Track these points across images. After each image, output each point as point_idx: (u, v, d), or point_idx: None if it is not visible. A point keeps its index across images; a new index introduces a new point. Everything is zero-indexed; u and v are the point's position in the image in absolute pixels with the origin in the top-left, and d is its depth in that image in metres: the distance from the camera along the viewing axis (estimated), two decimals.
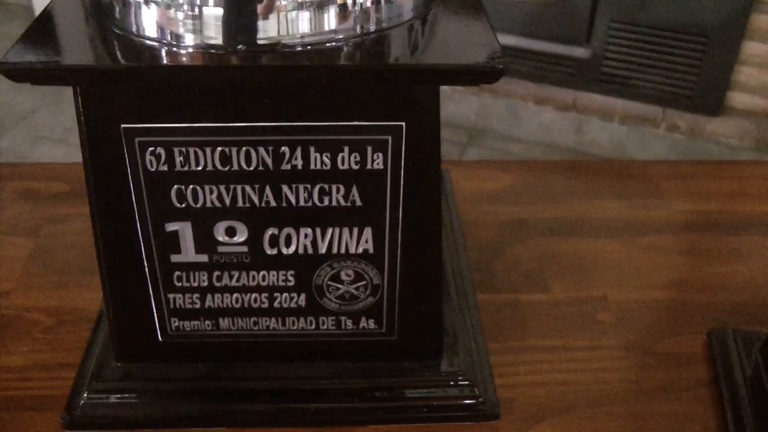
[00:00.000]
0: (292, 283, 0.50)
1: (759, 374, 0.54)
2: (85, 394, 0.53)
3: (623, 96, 2.46)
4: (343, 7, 0.43)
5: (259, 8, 0.41)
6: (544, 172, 0.80)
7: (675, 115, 2.42)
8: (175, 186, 0.46)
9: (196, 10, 0.41)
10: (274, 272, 0.50)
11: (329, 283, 0.51)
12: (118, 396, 0.53)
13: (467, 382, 0.55)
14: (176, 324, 0.52)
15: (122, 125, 0.44)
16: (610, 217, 0.74)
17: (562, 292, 0.65)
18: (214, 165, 0.46)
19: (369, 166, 0.46)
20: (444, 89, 0.59)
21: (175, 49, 0.42)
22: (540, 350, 0.60)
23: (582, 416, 0.55)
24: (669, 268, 0.68)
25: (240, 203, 0.47)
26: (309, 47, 0.42)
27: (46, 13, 0.46)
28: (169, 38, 0.42)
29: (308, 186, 0.47)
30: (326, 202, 0.47)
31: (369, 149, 0.46)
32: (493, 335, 0.60)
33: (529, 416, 0.55)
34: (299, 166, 0.46)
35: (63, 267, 0.67)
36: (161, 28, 0.42)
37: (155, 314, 0.52)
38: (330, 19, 0.43)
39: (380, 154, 0.46)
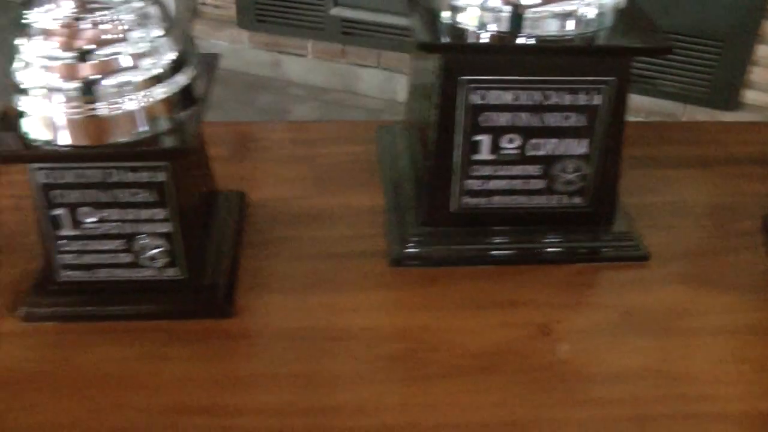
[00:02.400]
0: (539, 173, 0.88)
1: None
2: (398, 246, 0.90)
3: (649, 94, 2.77)
4: (580, 19, 0.81)
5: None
6: None
7: (695, 110, 2.73)
8: (483, 113, 0.84)
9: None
10: (531, 166, 0.87)
11: (559, 174, 0.88)
12: (418, 246, 0.90)
13: (628, 238, 0.92)
14: (465, 200, 0.89)
15: (459, 77, 0.82)
16: None
17: None
18: (508, 100, 0.83)
19: (593, 102, 0.84)
20: None
21: (493, 36, 0.80)
22: None
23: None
24: None
25: (519, 123, 0.85)
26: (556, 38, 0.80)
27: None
28: (491, 30, 0.80)
29: (558, 113, 0.84)
30: (566, 123, 0.85)
31: (593, 92, 0.83)
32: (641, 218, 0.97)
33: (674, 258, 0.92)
34: (556, 102, 0.83)
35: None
36: (484, 24, 0.80)
37: (452, 194, 0.89)
38: (572, 26, 0.81)
39: (599, 95, 0.83)
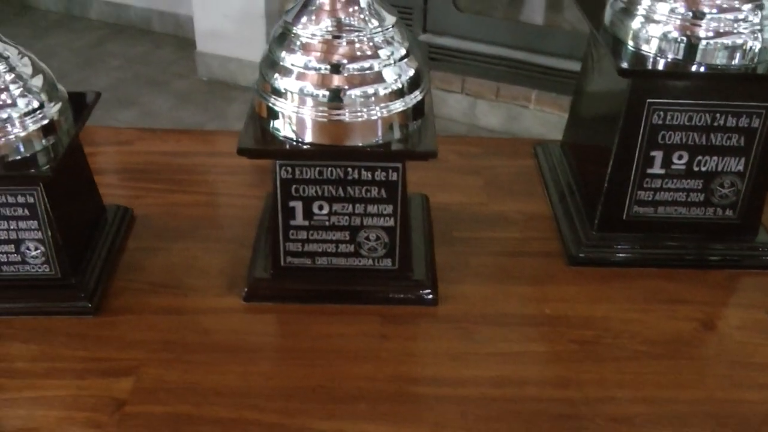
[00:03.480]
0: (699, 187, 1.00)
1: None
2: (575, 248, 1.03)
3: None
4: (746, 51, 0.94)
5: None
6: None
7: None
8: (661, 131, 0.96)
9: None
10: (695, 180, 0.99)
11: (717, 188, 1.01)
12: (593, 248, 1.03)
13: None
14: (636, 209, 1.01)
15: (646, 99, 0.95)
16: None
17: None
18: (682, 121, 0.95)
19: (752, 125, 0.95)
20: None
21: (669, 63, 0.93)
22: None
23: None
24: None
25: (688, 142, 0.97)
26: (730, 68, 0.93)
27: None
28: (668, 58, 0.93)
29: (722, 134, 0.96)
30: (728, 143, 0.96)
31: (754, 116, 0.95)
32: None
33: None
34: (720, 123, 0.96)
35: None
36: (663, 51, 0.94)
37: (626, 203, 1.02)
38: (739, 57, 0.94)
39: (758, 119, 0.95)
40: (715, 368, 0.89)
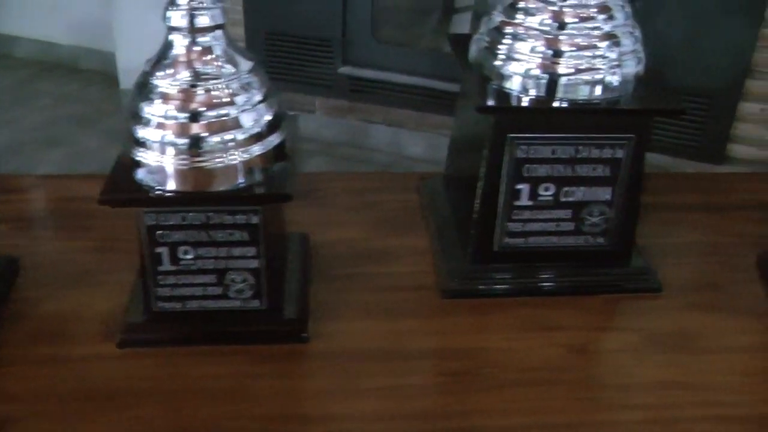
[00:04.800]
0: (569, 217, 1.02)
1: None
2: (447, 281, 1.04)
3: None
4: (606, 85, 0.96)
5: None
6: None
7: (685, 164, 2.88)
8: (525, 165, 0.99)
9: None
10: (563, 211, 1.02)
11: (586, 217, 1.03)
12: (465, 280, 1.04)
13: (643, 273, 1.07)
14: (506, 240, 1.03)
15: (508, 134, 0.97)
16: None
17: None
18: (547, 154, 0.98)
19: (616, 156, 0.99)
20: None
21: (533, 100, 0.95)
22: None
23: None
24: None
25: (553, 174, 0.99)
26: (591, 102, 0.95)
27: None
28: (530, 95, 0.95)
29: (587, 165, 0.99)
30: (594, 174, 1.00)
31: (617, 147, 0.98)
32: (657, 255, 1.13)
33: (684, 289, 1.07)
34: (585, 155, 0.98)
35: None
36: (526, 89, 0.96)
37: (496, 235, 1.03)
38: (599, 91, 0.96)
39: (622, 150, 0.98)
40: (588, 392, 0.92)
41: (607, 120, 0.96)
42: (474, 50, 1.00)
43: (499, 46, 0.97)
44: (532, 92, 0.94)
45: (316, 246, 1.11)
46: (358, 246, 1.12)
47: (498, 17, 0.97)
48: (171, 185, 0.87)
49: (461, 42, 1.04)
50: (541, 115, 0.95)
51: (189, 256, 0.92)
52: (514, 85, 0.95)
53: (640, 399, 0.91)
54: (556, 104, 0.94)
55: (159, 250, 0.91)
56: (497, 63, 0.96)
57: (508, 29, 0.96)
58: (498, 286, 1.03)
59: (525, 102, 0.95)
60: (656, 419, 0.88)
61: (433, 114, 3.12)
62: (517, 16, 0.96)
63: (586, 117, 0.96)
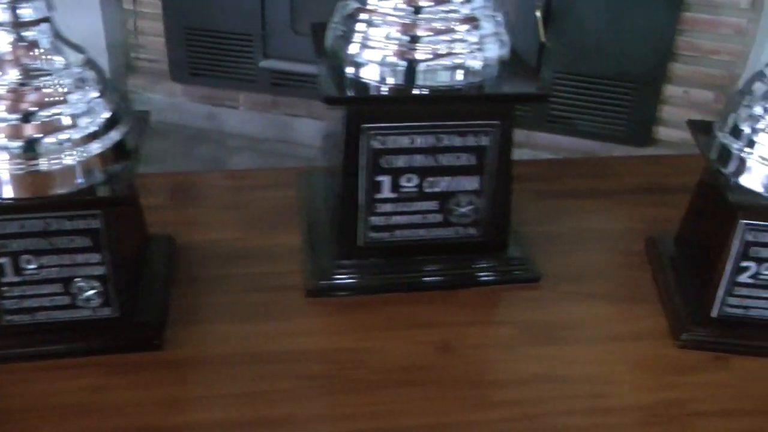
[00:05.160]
0: (436, 208, 0.98)
1: None
2: (313, 280, 1.00)
3: (569, 134, 2.92)
4: (468, 70, 0.92)
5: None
6: None
7: (612, 147, 2.87)
8: (383, 156, 0.94)
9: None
10: (428, 202, 0.98)
11: (454, 208, 0.99)
12: (331, 279, 1.00)
13: (521, 263, 1.03)
14: (371, 235, 0.99)
15: (362, 125, 0.93)
16: None
17: None
18: (404, 144, 0.94)
19: (481, 144, 0.95)
20: None
21: (392, 88, 0.91)
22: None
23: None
24: None
25: (414, 164, 0.95)
26: (447, 88, 0.91)
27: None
28: (390, 83, 0.91)
29: (450, 154, 0.95)
30: (458, 163, 0.96)
31: (481, 134, 0.95)
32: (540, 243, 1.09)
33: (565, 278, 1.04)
34: (447, 144, 0.94)
35: None
36: (383, 78, 0.91)
37: (359, 230, 0.99)
38: (460, 77, 0.92)
39: (487, 137, 0.95)
40: (455, 390, 0.88)
41: (468, 107, 0.93)
42: (330, 38, 0.95)
43: (354, 34, 0.92)
44: (390, 80, 0.90)
45: (185, 248, 1.06)
46: (228, 246, 1.08)
47: (352, 4, 0.93)
48: (8, 192, 0.82)
49: (320, 30, 0.99)
50: (394, 105, 0.92)
51: (32, 266, 0.87)
52: (370, 73, 0.91)
53: (508, 395, 0.88)
54: (414, 92, 0.90)
55: (0, 261, 0.85)
56: (352, 51, 0.92)
57: (363, 16, 0.91)
58: (365, 284, 0.99)
59: (377, 91, 0.91)
60: (524, 415, 0.85)
61: None
62: (371, 1, 0.91)
63: (446, 104, 0.92)
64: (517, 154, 2.61)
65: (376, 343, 0.92)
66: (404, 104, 0.91)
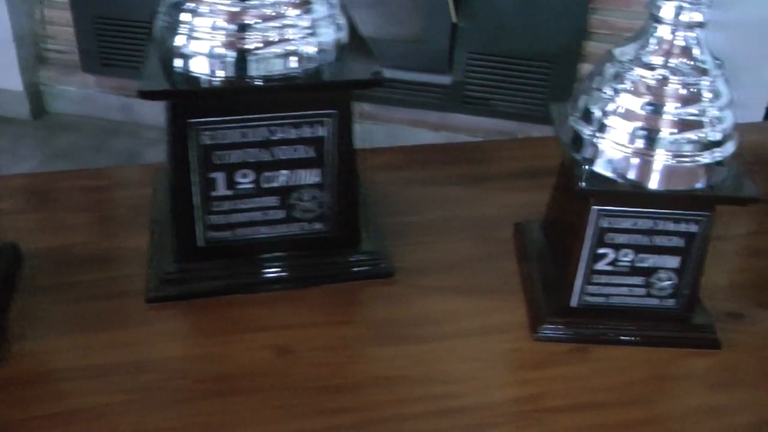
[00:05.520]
0: (277, 204, 0.93)
1: None
2: (154, 284, 0.94)
3: (485, 115, 2.90)
4: (298, 56, 0.87)
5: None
6: None
7: (530, 128, 2.86)
8: (215, 151, 0.89)
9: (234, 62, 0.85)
10: (268, 198, 0.93)
11: (297, 203, 0.94)
12: (171, 283, 0.94)
13: (374, 257, 0.98)
14: (210, 235, 0.93)
15: (188, 120, 0.87)
16: None
17: None
18: (236, 138, 0.89)
19: (318, 134, 0.90)
20: None
21: (224, 80, 0.85)
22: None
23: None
24: None
25: (248, 159, 0.90)
26: (282, 76, 0.86)
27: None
28: (220, 75, 0.85)
29: (287, 147, 0.90)
30: (296, 156, 0.91)
31: (317, 125, 0.90)
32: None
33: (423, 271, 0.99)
34: (282, 136, 0.89)
35: None
36: (213, 70, 0.86)
37: (197, 230, 0.93)
38: (292, 63, 0.87)
39: (324, 127, 0.90)
40: (293, 397, 0.83)
41: (300, 96, 0.87)
42: (157, 30, 0.89)
43: (180, 25, 0.86)
44: (221, 73, 0.85)
45: (32, 255, 1.00)
46: (76, 252, 1.02)
47: None
48: None
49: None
50: (218, 97, 0.87)
51: None
52: (199, 66, 0.85)
53: (350, 400, 0.83)
54: (245, 83, 0.85)
55: None
56: (179, 43, 0.86)
57: (188, 5, 0.86)
58: (208, 287, 0.94)
59: (209, 84, 0.85)
60: (365, 422, 0.81)
61: None
62: None
63: (274, 94, 0.87)
64: (434, 137, 2.61)
65: (215, 349, 0.88)
66: (231, 96, 0.86)
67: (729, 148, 0.84)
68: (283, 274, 0.96)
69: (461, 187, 1.15)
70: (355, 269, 0.97)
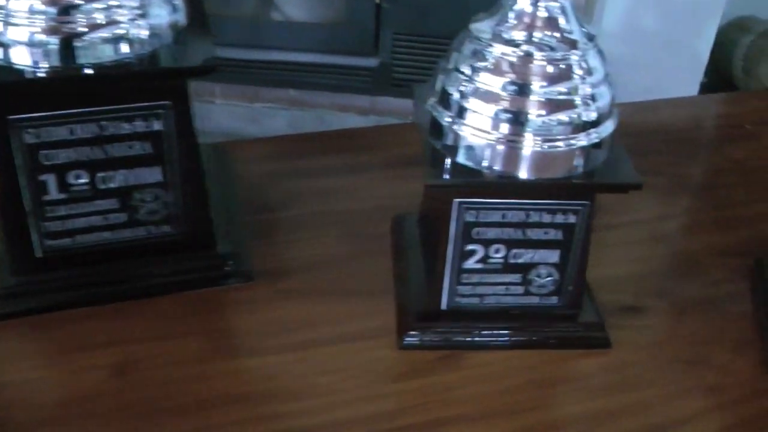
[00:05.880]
0: (117, 207, 0.85)
1: None
2: None
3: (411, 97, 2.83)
4: (129, 40, 0.79)
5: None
6: None
7: None
8: (41, 150, 0.80)
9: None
10: (106, 201, 0.84)
11: (139, 204, 0.86)
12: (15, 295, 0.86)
13: (232, 260, 0.90)
14: (48, 243, 0.85)
15: (7, 116, 0.79)
16: None
17: None
18: (64, 135, 0.80)
19: (153, 129, 0.82)
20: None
21: (49, 72, 0.76)
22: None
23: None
24: None
25: (81, 158, 0.82)
26: (113, 63, 0.78)
27: None
28: (44, 66, 0.76)
29: (120, 143, 0.82)
30: (132, 153, 0.82)
31: (151, 118, 0.81)
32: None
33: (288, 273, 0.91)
34: (115, 132, 0.81)
35: None
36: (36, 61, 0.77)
37: (33, 239, 0.84)
38: (124, 49, 0.79)
39: (159, 121, 0.81)
40: (127, 422, 0.75)
41: (131, 86, 0.80)
42: None
43: None
44: (45, 63, 0.76)
45: None
46: None
47: None
48: None
49: None
50: (38, 90, 0.78)
51: None
52: (20, 56, 0.76)
53: (189, 424, 0.75)
54: (65, 73, 0.76)
55: None
56: None
57: None
58: (46, 301, 0.86)
59: (33, 75, 0.76)
60: None
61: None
62: None
63: (103, 85, 0.79)
64: (362, 121, 2.52)
65: (44, 372, 0.79)
66: (50, 88, 0.78)
67: (607, 127, 0.77)
68: (126, 283, 0.88)
69: (339, 179, 1.07)
70: (210, 274, 0.89)
